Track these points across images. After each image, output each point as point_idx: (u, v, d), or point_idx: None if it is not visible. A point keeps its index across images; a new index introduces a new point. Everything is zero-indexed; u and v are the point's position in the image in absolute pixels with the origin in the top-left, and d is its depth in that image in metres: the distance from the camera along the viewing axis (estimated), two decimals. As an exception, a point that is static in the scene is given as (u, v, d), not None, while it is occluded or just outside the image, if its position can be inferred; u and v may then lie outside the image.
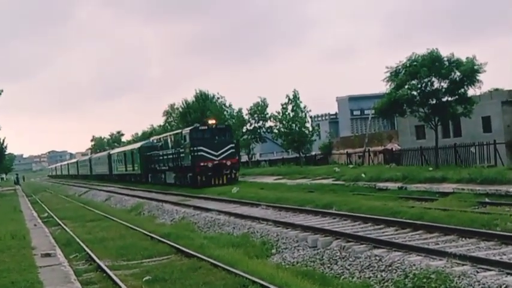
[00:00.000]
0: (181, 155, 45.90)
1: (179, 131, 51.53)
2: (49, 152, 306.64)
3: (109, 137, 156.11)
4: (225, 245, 18.94)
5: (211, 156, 42.78)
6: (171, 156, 49.48)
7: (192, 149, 43.15)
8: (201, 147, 42.80)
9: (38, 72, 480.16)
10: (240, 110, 71.50)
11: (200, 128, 45.54)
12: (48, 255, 17.11)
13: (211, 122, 46.10)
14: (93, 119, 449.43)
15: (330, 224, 19.82)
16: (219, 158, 42.90)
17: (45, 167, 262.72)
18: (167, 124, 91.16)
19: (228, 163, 43.26)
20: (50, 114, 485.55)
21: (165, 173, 53.12)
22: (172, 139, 50.98)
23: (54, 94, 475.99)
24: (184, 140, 45.56)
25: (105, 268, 15.89)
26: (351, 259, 14.68)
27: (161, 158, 53.77)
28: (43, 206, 46.68)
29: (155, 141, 60.42)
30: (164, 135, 58.97)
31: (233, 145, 45.16)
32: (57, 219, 32.63)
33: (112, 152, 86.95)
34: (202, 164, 42.41)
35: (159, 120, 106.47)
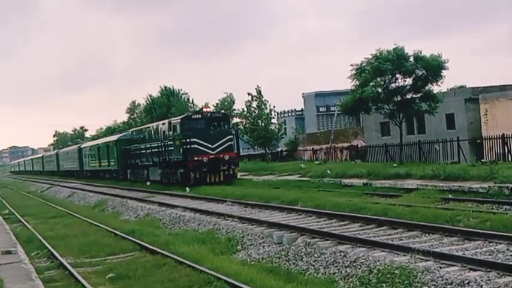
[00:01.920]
0: (170, 148, 40.15)
1: (166, 121, 44.90)
2: (10, 148, 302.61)
3: (72, 133, 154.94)
4: (190, 242, 18.85)
5: (206, 150, 37.24)
6: (156, 149, 43.39)
7: (183, 141, 37.73)
8: (194, 139, 37.29)
9: None
10: (206, 104, 71.29)
11: (193, 116, 40.13)
12: (8, 252, 16.93)
13: (206, 109, 41.24)
14: (55, 114, 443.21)
15: (296, 220, 19.85)
16: (215, 152, 37.37)
17: (7, 162, 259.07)
18: (131, 120, 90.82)
19: (226, 157, 37.56)
20: (11, 108, 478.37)
21: (148, 169, 47.45)
22: (158, 130, 44.52)
23: (15, 87, 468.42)
24: (173, 131, 39.81)
25: (67, 265, 15.76)
26: (316, 255, 14.70)
27: (143, 152, 47.54)
28: (4, 202, 46.12)
29: (135, 133, 53.84)
30: (147, 126, 52.43)
31: (231, 136, 39.54)
32: (18, 216, 32.30)
33: (83, 145, 79.71)
34: (196, 158, 36.76)
35: (123, 116, 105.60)
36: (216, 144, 37.57)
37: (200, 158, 36.73)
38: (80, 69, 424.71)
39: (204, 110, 41.17)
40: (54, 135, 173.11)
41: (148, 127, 49.42)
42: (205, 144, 37.25)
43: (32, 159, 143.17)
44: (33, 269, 14.51)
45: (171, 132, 40.31)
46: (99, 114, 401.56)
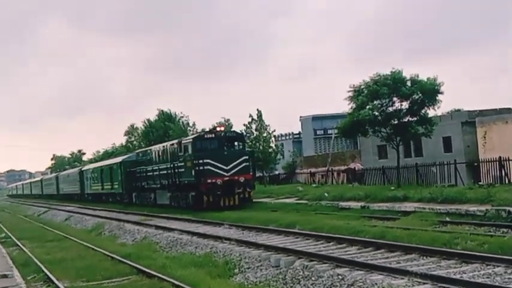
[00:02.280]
0: (180, 170, 37.35)
1: (175, 141, 42.38)
2: (7, 171, 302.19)
3: (70, 156, 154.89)
4: (187, 265, 18.80)
5: (220, 171, 34.58)
6: (164, 171, 40.79)
7: (195, 162, 34.96)
8: (207, 160, 34.54)
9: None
10: (203, 130, 71.33)
11: (206, 136, 37.47)
12: (4, 276, 16.85)
13: (220, 128, 38.09)
14: (53, 138, 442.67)
15: (293, 243, 19.81)
16: (229, 174, 34.68)
17: (4, 186, 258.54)
18: (129, 144, 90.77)
19: (241, 179, 34.73)
20: (8, 132, 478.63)
21: (156, 192, 44.55)
22: (166, 151, 42.07)
23: (12, 111, 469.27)
24: (184, 152, 37.21)
25: (64, 290, 15.75)
26: (313, 278, 14.65)
27: (150, 174, 44.97)
28: (0, 225, 46.00)
29: (141, 154, 51.33)
30: (154, 147, 49.39)
31: (247, 157, 36.49)
32: (15, 239, 32.24)
33: (85, 168, 76.72)
34: (209, 180, 34.08)
35: (120, 139, 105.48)
36: (231, 166, 34.98)
37: (214, 181, 34.19)
38: (79, 94, 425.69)
39: (218, 129, 38.36)
40: (52, 159, 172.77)
41: (156, 148, 46.91)
42: (219, 165, 34.67)
43: (30, 182, 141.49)
44: (30, 293, 14.46)
45: (181, 153, 37.81)
46: (96, 138, 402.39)
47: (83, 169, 75.56)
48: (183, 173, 36.96)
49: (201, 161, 34.65)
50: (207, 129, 61.76)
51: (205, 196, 34.29)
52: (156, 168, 42.83)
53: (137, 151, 56.49)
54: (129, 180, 50.37)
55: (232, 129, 40.38)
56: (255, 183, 39.51)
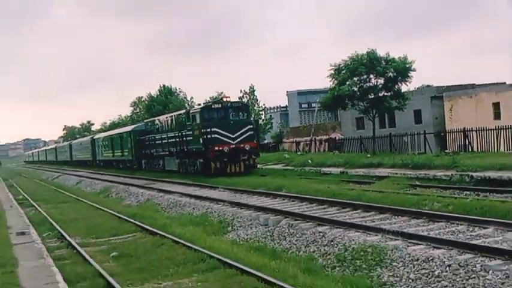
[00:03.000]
0: (188, 138, 35.72)
1: (183, 111, 41.51)
2: (24, 140, 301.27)
3: (80, 126, 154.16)
4: (185, 224, 18.86)
5: (227, 140, 32.82)
6: (172, 140, 39.07)
7: (203, 130, 33.24)
8: (214, 129, 32.81)
9: (15, 66, 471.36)
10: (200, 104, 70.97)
11: (213, 106, 35.03)
12: (22, 233, 16.88)
13: (226, 98, 35.55)
14: (65, 110, 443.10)
15: (280, 205, 19.88)
16: (235, 142, 32.96)
17: (21, 153, 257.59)
18: (134, 115, 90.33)
19: (247, 147, 33.12)
20: (25, 105, 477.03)
21: (164, 159, 42.78)
22: (174, 121, 40.32)
23: (29, 86, 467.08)
24: (192, 121, 35.31)
25: (75, 245, 15.76)
26: (298, 235, 14.75)
27: (158, 142, 43.18)
28: (18, 189, 45.96)
29: (149, 124, 48.76)
30: (162, 116, 47.36)
31: (251, 126, 34.67)
32: (31, 201, 32.18)
33: (96, 136, 73.48)
34: (216, 148, 32.44)
35: (126, 111, 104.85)
36: (237, 134, 33.16)
37: (221, 148, 32.50)
38: (88, 70, 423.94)
39: (224, 99, 35.77)
40: (63, 129, 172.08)
41: (164, 117, 44.98)
42: (226, 134, 32.93)
43: (45, 150, 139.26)
44: (45, 248, 14.47)
45: (189, 123, 35.88)
46: (104, 110, 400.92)
47: (94, 137, 73.03)
48: (191, 141, 35.46)
49: (208, 130, 33.03)
50: (203, 103, 61.25)
51: (213, 163, 32.86)
52: (165, 136, 41.16)
53: (146, 121, 53.89)
54: (139, 148, 48.49)
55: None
56: (259, 151, 37.80)
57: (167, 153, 40.87)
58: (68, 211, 25.98)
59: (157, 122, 45.63)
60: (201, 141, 33.40)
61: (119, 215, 21.94)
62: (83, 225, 20.50)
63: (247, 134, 33.49)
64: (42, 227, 20.01)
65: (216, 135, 32.64)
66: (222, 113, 34.06)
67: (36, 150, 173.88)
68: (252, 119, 36.53)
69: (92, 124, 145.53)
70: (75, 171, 65.61)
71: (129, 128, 54.29)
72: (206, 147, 32.94)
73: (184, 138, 36.26)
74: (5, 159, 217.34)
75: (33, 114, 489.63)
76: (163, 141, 41.26)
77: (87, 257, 13.84)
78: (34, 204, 30.03)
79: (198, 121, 34.37)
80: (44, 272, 11.44)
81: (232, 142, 32.83)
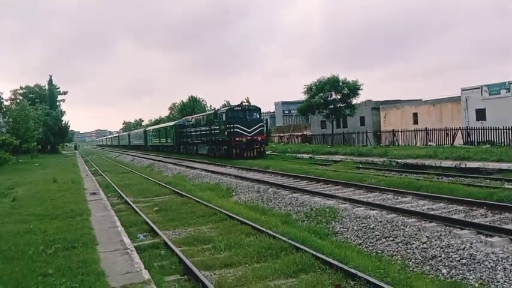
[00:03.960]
0: (216, 131, 34.73)
1: (212, 111, 40.43)
2: (96, 130, 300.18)
3: (134, 122, 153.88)
4: (204, 190, 18.90)
5: (244, 133, 31.85)
6: (204, 132, 38.02)
7: (228, 126, 32.32)
8: (236, 125, 31.88)
9: (90, 80, 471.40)
10: (214, 109, 70.80)
11: (235, 108, 33.91)
12: (94, 193, 16.91)
13: (244, 103, 34.37)
14: (124, 110, 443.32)
15: (268, 178, 19.91)
16: (251, 134, 31.99)
17: (94, 139, 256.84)
18: (170, 115, 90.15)
19: (259, 139, 32.22)
20: (98, 107, 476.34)
21: (197, 146, 41.46)
22: (204, 119, 39.15)
23: (100, 93, 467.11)
24: (219, 119, 34.28)
25: (130, 202, 15.81)
26: (279, 198, 14.80)
27: (193, 133, 41.93)
28: (92, 163, 45.91)
29: (186, 120, 47.51)
30: (195, 115, 46.34)
31: (263, 123, 33.57)
32: (100, 171, 32.21)
33: (147, 128, 72.65)
34: (237, 139, 31.53)
35: (165, 113, 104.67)
36: (252, 129, 32.09)
37: (241, 139, 31.55)
38: (141, 84, 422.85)
39: (243, 103, 34.12)
40: (123, 123, 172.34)
41: (197, 116, 43.62)
42: (244, 128, 31.88)
43: (111, 137, 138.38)
44: (109, 204, 14.50)
45: (216, 120, 34.75)
46: (150, 111, 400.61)
47: (146, 129, 72.34)
48: (218, 133, 34.46)
49: (232, 125, 32.00)
50: (218, 108, 60.87)
51: (234, 149, 31.82)
52: (198, 129, 39.99)
53: (184, 118, 52.28)
54: (178, 137, 47.50)
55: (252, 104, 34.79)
56: (268, 142, 36.44)
57: (199, 141, 40.01)
58: (125, 179, 25.99)
59: (192, 119, 44.52)
60: (226, 133, 32.54)
61: (159, 182, 21.97)
62: (135, 188, 20.51)
63: (259, 129, 32.41)
64: (107, 189, 20.07)
65: (237, 130, 31.76)
66: (241, 113, 32.89)
67: (105, 137, 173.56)
68: (262, 118, 34.88)
69: (142, 121, 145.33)
70: (131, 153, 65.47)
71: (172, 123, 53.27)
72: (229, 138, 32.02)
73: (213, 131, 35.40)
74: (83, 143, 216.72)
75: (103, 113, 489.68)
76: (197, 133, 40.36)
77: (137, 210, 13.88)
78: (102, 173, 30.06)
79: (224, 119, 33.27)
80: (108, 219, 11.48)
81: (248, 135, 31.86)
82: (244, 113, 32.97)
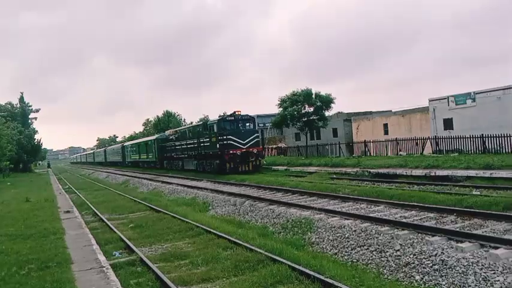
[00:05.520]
0: (206, 144, 31.23)
1: (200, 123, 36.62)
2: (69, 147, 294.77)
3: (108, 138, 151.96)
4: (180, 204, 18.79)
5: (239, 145, 28.73)
6: (191, 145, 34.40)
7: (220, 138, 29.00)
8: (229, 136, 28.71)
9: (63, 98, 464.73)
10: (191, 123, 70.49)
11: (227, 118, 30.45)
12: (68, 211, 16.58)
13: (238, 112, 30.55)
14: (97, 127, 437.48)
15: (244, 191, 19.87)
16: (246, 146, 28.82)
17: (67, 157, 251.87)
18: (145, 131, 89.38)
19: (255, 151, 29.08)
20: (69, 123, 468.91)
21: (183, 161, 37.79)
22: (190, 131, 35.72)
23: (73, 110, 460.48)
24: (209, 130, 30.79)
25: (104, 219, 15.55)
26: (256, 211, 14.78)
27: (178, 147, 38.29)
28: (65, 181, 44.98)
29: (170, 134, 43.10)
30: (180, 128, 43.32)
31: (258, 134, 30.45)
32: (74, 189, 31.59)
33: (125, 144, 68.48)
34: (231, 152, 28.45)
35: (139, 128, 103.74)
36: (247, 140, 29.09)
37: (235, 152, 28.54)
38: (114, 100, 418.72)
39: (236, 113, 30.50)
40: (97, 140, 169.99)
41: (182, 129, 40.50)
42: (238, 140, 28.93)
43: (86, 154, 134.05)
44: (83, 221, 14.23)
45: (206, 132, 31.33)
46: (124, 127, 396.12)
47: (124, 145, 68.60)
48: (208, 146, 31.00)
49: (224, 137, 28.84)
50: (193, 123, 59.90)
51: (228, 163, 28.76)
52: (184, 143, 36.40)
53: (166, 132, 47.84)
54: (161, 152, 44.03)
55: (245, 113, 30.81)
56: (264, 154, 33.28)
57: (186, 155, 36.60)
58: (99, 196, 25.58)
59: (176, 132, 41.22)
60: (218, 146, 29.41)
61: (135, 199, 21.70)
62: (109, 205, 20.21)
63: (255, 140, 29.50)
64: (82, 207, 19.71)
65: (231, 142, 28.83)
66: (235, 123, 29.77)
67: (79, 154, 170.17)
68: (258, 128, 31.24)
69: (117, 137, 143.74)
70: (106, 170, 64.41)
71: (153, 137, 49.55)
72: (222, 151, 28.97)
73: (202, 144, 32.11)
74: (55, 161, 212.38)
75: (76, 130, 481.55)
76: (183, 146, 36.95)
77: (113, 227, 13.65)
78: (76, 191, 29.47)
79: (215, 130, 29.96)
80: (83, 237, 11.24)
81: (243, 147, 28.84)
82: (238, 123, 29.82)
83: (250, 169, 28.89)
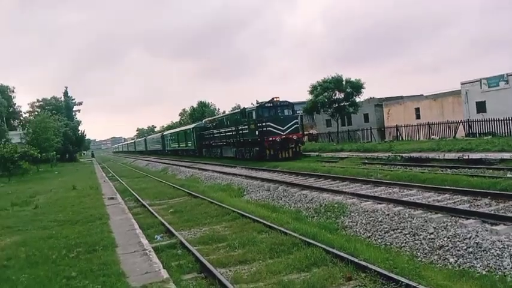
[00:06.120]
0: (245, 131, 30.21)
1: (237, 110, 35.40)
2: (111, 138, 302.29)
3: (147, 128, 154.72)
4: (217, 190, 18.96)
5: (278, 131, 27.63)
6: (230, 133, 33.44)
7: (259, 124, 27.95)
8: (268, 123, 27.62)
9: (103, 90, 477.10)
10: (224, 112, 70.95)
11: (266, 105, 28.95)
12: (112, 198, 17.01)
13: (276, 98, 29.04)
14: (136, 118, 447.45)
15: (277, 177, 19.86)
16: (285, 133, 27.73)
17: (110, 146, 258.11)
18: (181, 120, 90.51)
19: (294, 137, 27.97)
20: (111, 115, 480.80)
21: (222, 148, 36.87)
22: (228, 119, 34.71)
23: (114, 102, 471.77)
24: (248, 118, 29.67)
25: (146, 205, 15.89)
26: (289, 196, 14.79)
27: (216, 135, 37.25)
28: (108, 169, 46.20)
29: (208, 122, 42.30)
30: (217, 116, 41.94)
31: (297, 120, 29.32)
32: (117, 177, 32.40)
33: (165, 133, 67.26)
34: (271, 138, 27.38)
35: (176, 118, 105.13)
36: (286, 127, 27.94)
37: (274, 138, 27.42)
38: (152, 92, 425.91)
39: (275, 99, 28.98)
40: (136, 130, 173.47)
41: (220, 117, 39.17)
42: (278, 127, 27.78)
43: (127, 143, 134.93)
44: (126, 207, 14.60)
45: (244, 119, 30.25)
46: (162, 117, 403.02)
47: (163, 134, 67.77)
48: (247, 133, 29.95)
49: (263, 124, 27.75)
50: (226, 112, 60.20)
51: (268, 150, 27.73)
52: (223, 131, 35.31)
53: (204, 120, 46.83)
54: (199, 140, 43.19)
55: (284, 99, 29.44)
56: (304, 141, 31.89)
57: (224, 143, 35.61)
58: (141, 183, 26.15)
59: (214, 120, 40.29)
60: (257, 133, 28.36)
61: (173, 185, 22.08)
62: (150, 192, 20.64)
63: (294, 126, 28.34)
64: (124, 194, 20.19)
65: (270, 128, 27.71)
66: (273, 110, 28.48)
67: (120, 144, 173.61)
68: (297, 114, 29.96)
69: (155, 127, 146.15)
70: (146, 158, 65.73)
71: (191, 126, 48.72)
72: (261, 138, 27.94)
73: (240, 132, 31.05)
74: (99, 150, 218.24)
75: (117, 121, 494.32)
76: (221, 134, 35.87)
77: (154, 212, 13.94)
78: (119, 179, 30.24)
79: (254, 117, 28.84)
80: (126, 222, 11.54)
81: (282, 134, 27.72)
82: (276, 109, 28.53)
83: (290, 156, 27.92)
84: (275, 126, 27.76)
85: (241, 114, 31.49)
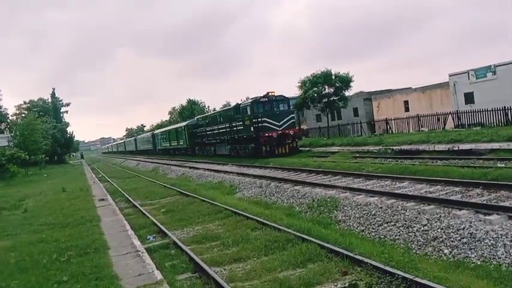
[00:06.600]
0: (239, 127, 29.39)
1: (231, 106, 34.11)
2: (100, 138, 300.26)
3: (136, 128, 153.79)
4: (208, 188, 18.85)
5: (274, 127, 27.08)
6: (223, 130, 32.55)
7: (254, 120, 27.21)
8: (264, 119, 26.97)
9: (91, 90, 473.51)
10: (214, 109, 70.70)
11: (261, 100, 27.96)
12: (102, 199, 16.85)
13: (271, 93, 28.15)
14: (125, 118, 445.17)
15: (269, 173, 19.81)
16: (281, 128, 27.19)
17: (99, 147, 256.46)
18: (171, 119, 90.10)
19: (291, 133, 27.47)
20: (100, 116, 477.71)
21: (215, 146, 35.81)
22: (222, 115, 33.62)
23: (102, 102, 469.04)
24: (242, 113, 28.82)
25: (137, 205, 15.72)
26: (281, 192, 14.73)
27: (209, 132, 36.36)
28: (98, 170, 45.82)
29: (200, 120, 41.72)
30: (210, 113, 41.12)
31: (294, 115, 28.84)
32: (107, 178, 32.09)
33: (155, 132, 66.24)
34: (266, 134, 26.80)
35: (165, 117, 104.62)
36: (282, 122, 27.34)
37: (270, 134, 26.88)
38: (140, 91, 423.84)
39: (270, 94, 28.17)
40: (125, 130, 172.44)
41: (213, 114, 38.41)
42: (273, 122, 27.16)
43: (117, 143, 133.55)
44: (117, 208, 14.44)
45: (238, 115, 29.44)
46: (151, 116, 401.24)
47: (154, 133, 66.30)
48: (241, 130, 29.13)
49: (259, 119, 27.05)
50: (215, 109, 59.98)
51: (264, 146, 27.12)
52: (216, 128, 34.46)
53: (196, 117, 45.72)
54: (192, 138, 42.22)
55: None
56: (301, 136, 31.55)
57: (218, 141, 34.65)
58: (131, 183, 25.92)
59: (206, 117, 39.40)
60: (252, 129, 27.54)
61: (165, 184, 21.90)
62: (141, 192, 20.45)
63: (291, 121, 27.77)
64: (115, 195, 20.00)
65: (266, 124, 27.06)
66: (269, 105, 27.73)
67: (110, 144, 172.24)
68: (293, 109, 29.24)
69: (144, 126, 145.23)
70: (136, 158, 65.29)
71: (183, 124, 47.37)
72: (257, 134, 27.19)
73: (235, 128, 30.20)
74: (88, 151, 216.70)
75: (106, 121, 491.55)
76: (214, 131, 35.00)
77: (146, 213, 13.79)
78: (109, 180, 29.96)
79: (248, 113, 28.03)
80: (118, 223, 11.41)
81: (278, 129, 27.21)
82: (272, 104, 27.81)
83: (287, 151, 27.45)
84: (271, 121, 27.22)
85: (235, 110, 30.60)
